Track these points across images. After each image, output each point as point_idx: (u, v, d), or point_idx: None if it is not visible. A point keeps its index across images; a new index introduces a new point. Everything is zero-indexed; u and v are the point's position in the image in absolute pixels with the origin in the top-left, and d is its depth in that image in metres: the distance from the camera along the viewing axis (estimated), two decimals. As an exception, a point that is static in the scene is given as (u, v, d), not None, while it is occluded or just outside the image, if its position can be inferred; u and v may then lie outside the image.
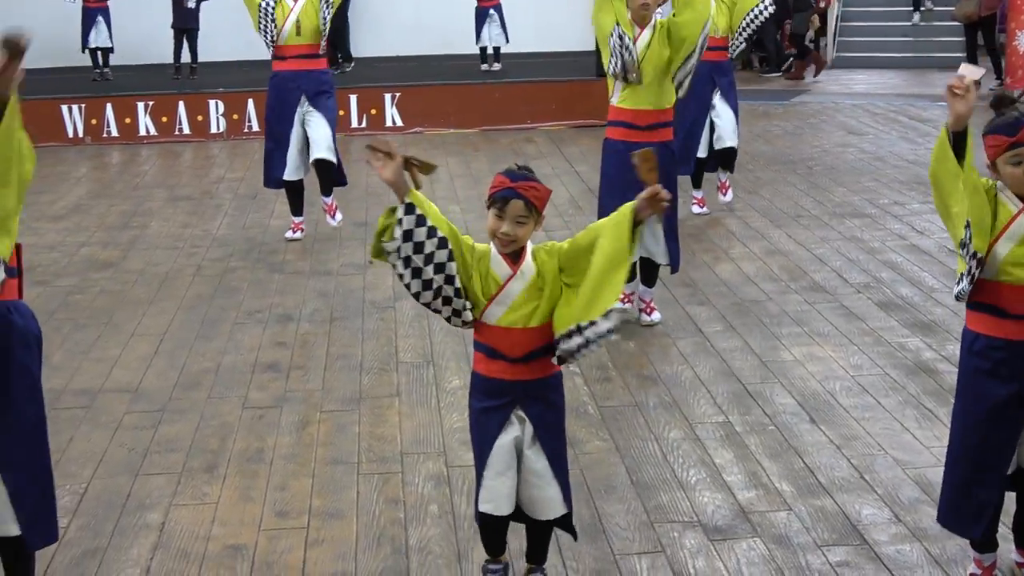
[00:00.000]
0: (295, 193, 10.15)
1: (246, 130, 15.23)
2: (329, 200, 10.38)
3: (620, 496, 5.57)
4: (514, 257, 4.36)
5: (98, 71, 16.68)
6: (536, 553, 4.69)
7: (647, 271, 7.70)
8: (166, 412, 6.63)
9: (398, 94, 15.34)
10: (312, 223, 10.45)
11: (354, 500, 5.59)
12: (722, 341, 7.51)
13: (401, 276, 4.32)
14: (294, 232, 10.19)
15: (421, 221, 4.20)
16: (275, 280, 9.03)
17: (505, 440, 4.42)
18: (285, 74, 9.81)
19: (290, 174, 9.96)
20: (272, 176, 10.05)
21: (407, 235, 4.22)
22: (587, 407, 6.55)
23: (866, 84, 18.84)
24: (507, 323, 4.35)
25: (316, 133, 9.90)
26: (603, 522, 5.32)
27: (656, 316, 7.82)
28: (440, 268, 4.25)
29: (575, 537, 4.72)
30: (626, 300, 7.65)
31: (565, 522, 4.60)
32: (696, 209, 10.64)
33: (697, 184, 10.68)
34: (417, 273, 4.27)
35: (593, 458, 5.95)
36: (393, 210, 4.22)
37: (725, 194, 10.81)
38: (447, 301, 4.32)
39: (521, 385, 4.40)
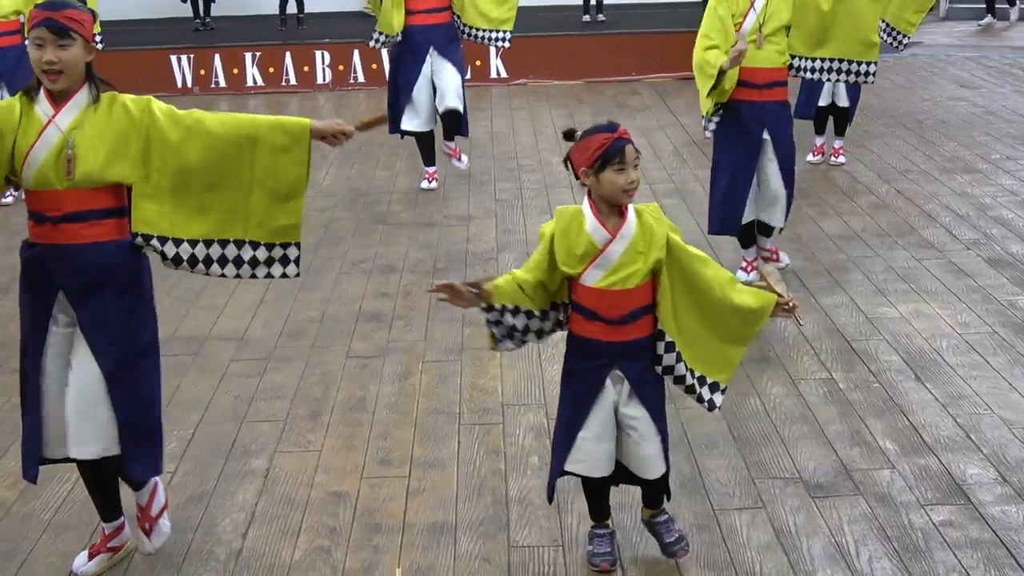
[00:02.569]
0: (426, 144, 10.21)
1: (351, 81, 15.29)
2: (453, 145, 10.39)
3: (721, 451, 5.55)
4: (610, 217, 4.29)
5: (199, 20, 16.84)
6: (652, 498, 4.68)
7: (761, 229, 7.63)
8: (271, 360, 6.72)
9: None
10: (415, 175, 10.48)
11: (455, 450, 5.63)
12: (827, 297, 7.43)
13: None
14: (429, 182, 10.23)
15: (509, 310, 4.41)
16: (379, 231, 9.08)
17: (604, 402, 4.41)
18: (414, 28, 9.81)
19: (421, 126, 10.00)
20: (394, 123, 10.06)
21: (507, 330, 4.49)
22: (689, 361, 6.52)
23: (979, 36, 18.43)
24: (605, 285, 4.30)
25: (446, 83, 9.91)
26: (703, 477, 5.31)
27: (785, 259, 7.85)
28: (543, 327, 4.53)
29: (668, 497, 4.68)
30: (748, 268, 7.63)
31: (663, 481, 4.59)
32: (810, 157, 10.56)
33: (819, 131, 10.69)
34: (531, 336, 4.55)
35: (694, 413, 5.92)
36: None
37: (838, 156, 10.65)
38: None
39: (618, 347, 4.37)
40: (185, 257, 4.41)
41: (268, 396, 6.26)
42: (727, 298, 4.37)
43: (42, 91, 4.25)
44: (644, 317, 4.36)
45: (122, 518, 4.75)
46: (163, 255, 4.40)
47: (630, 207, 4.31)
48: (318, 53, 15.31)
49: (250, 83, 15.26)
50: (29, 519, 5.08)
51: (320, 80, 15.32)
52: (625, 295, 4.31)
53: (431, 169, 10.28)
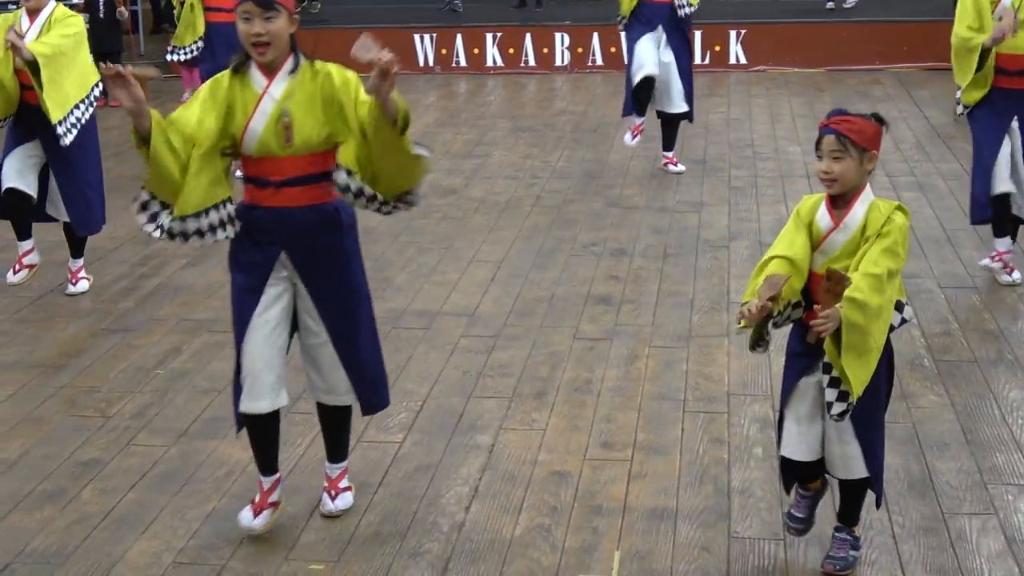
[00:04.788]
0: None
1: (590, 64, 15.34)
2: (670, 153, 10.28)
3: (953, 453, 5.39)
4: (840, 206, 4.25)
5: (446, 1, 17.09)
6: (844, 512, 4.55)
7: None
8: (500, 338, 6.80)
9: (743, 31, 15.14)
10: (649, 159, 10.47)
11: (678, 437, 5.62)
12: (1073, 300, 7.15)
13: None
14: (674, 165, 10.26)
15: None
16: (611, 214, 9.10)
17: (809, 388, 4.35)
18: (648, 5, 9.84)
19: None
20: (627, 104, 10.20)
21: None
22: (923, 360, 6.36)
23: None
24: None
25: (671, 83, 9.93)
26: (933, 479, 5.17)
27: (1016, 276, 7.42)
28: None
29: (878, 503, 4.54)
30: (996, 258, 7.35)
31: (869, 485, 4.43)
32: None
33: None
34: None
35: (926, 412, 5.78)
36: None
37: None
38: None
39: None
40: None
41: (495, 373, 6.34)
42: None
43: (254, 65, 4.47)
44: None
45: (279, 474, 4.89)
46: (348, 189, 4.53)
47: (861, 199, 4.24)
48: (557, 35, 15.40)
49: (490, 63, 15.45)
50: (263, 480, 5.26)
51: (559, 62, 15.41)
52: None
53: (669, 154, 10.26)
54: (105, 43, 13.75)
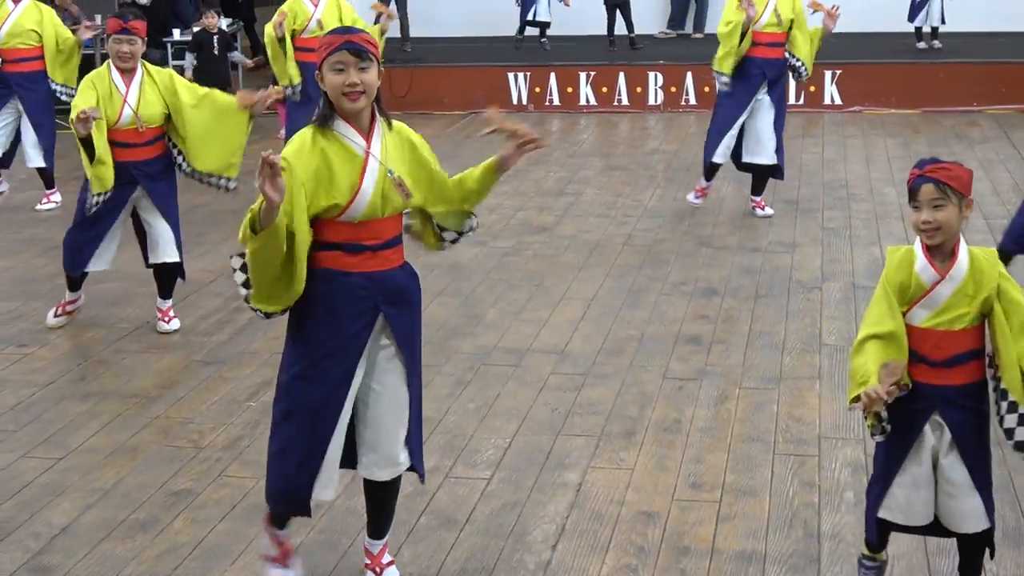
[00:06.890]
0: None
1: (683, 103, 15.31)
2: (758, 198, 10.16)
3: (1049, 502, 5.30)
4: (942, 257, 4.16)
5: (520, 38, 17.07)
6: (967, 567, 4.43)
7: None
8: (589, 376, 6.79)
9: (838, 71, 15.03)
10: (742, 199, 10.42)
11: (768, 479, 5.57)
12: None
13: None
14: (761, 209, 10.15)
15: None
16: (702, 253, 9.07)
17: (922, 448, 4.24)
18: (755, 60, 9.66)
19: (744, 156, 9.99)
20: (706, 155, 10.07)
21: None
22: (1019, 406, 6.25)
23: None
24: (931, 325, 4.16)
25: (762, 132, 9.81)
26: (1029, 527, 5.08)
27: None
28: None
29: (992, 554, 4.41)
30: None
31: (986, 537, 4.33)
32: None
33: None
34: None
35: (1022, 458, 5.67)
36: None
37: None
38: None
39: (941, 391, 4.17)
40: None
41: (584, 411, 6.33)
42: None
43: (342, 121, 4.32)
44: (971, 363, 4.18)
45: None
46: None
47: (962, 248, 4.16)
48: (651, 74, 15.40)
49: (583, 102, 15.49)
50: (351, 514, 5.29)
51: (651, 101, 15.41)
52: (951, 337, 4.15)
53: (757, 198, 10.16)
54: (214, 77, 14.07)
